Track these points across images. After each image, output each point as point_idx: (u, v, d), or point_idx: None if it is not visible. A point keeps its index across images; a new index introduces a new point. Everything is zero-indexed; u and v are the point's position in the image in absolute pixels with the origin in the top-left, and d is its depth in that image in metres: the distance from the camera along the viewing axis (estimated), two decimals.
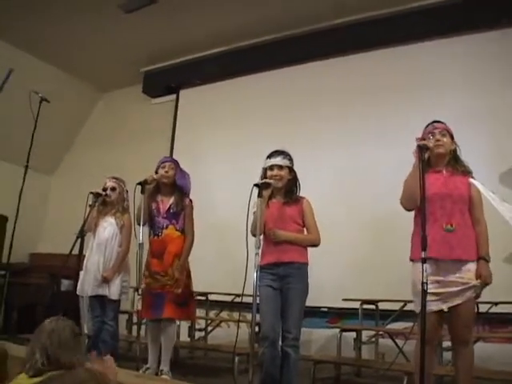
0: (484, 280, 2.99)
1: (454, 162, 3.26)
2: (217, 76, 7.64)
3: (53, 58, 7.76)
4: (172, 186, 4.48)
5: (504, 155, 5.25)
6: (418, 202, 3.00)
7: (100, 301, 4.67)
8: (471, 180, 3.17)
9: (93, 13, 6.68)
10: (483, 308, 4.68)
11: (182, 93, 8.13)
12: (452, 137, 3.27)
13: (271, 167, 3.76)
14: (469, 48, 5.77)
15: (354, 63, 6.51)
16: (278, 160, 3.76)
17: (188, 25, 6.92)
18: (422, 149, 2.98)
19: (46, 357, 2.00)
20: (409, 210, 3.25)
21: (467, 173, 3.23)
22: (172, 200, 4.43)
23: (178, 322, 5.16)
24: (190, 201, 4.50)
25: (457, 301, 2.98)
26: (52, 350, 2.02)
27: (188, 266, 4.44)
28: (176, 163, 4.56)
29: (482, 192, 3.11)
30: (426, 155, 3.03)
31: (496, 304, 4.69)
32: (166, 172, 4.43)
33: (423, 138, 3.15)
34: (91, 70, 8.28)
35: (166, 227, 4.37)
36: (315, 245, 3.75)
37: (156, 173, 4.45)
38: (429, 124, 3.32)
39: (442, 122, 3.30)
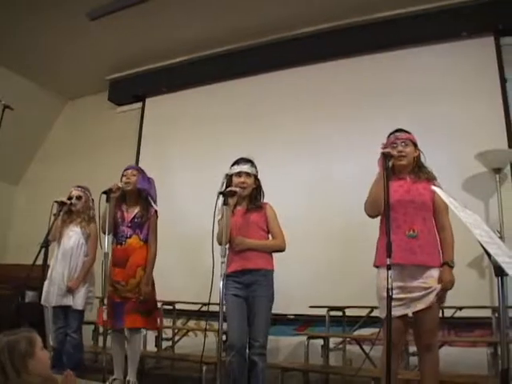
0: (444, 285, 3.03)
1: (418, 169, 3.31)
2: (183, 84, 7.62)
3: (17, 65, 7.62)
4: (136, 195, 4.42)
5: (463, 163, 5.33)
6: (381, 208, 3.03)
7: (64, 311, 4.59)
8: (433, 187, 3.20)
9: (58, 20, 6.60)
10: (448, 313, 4.76)
11: (148, 101, 8.09)
12: (415, 144, 3.32)
13: (239, 174, 3.76)
14: (427, 59, 5.90)
15: (321, 71, 6.55)
16: (246, 167, 3.77)
17: (153, 33, 6.90)
18: (386, 157, 3.01)
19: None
20: (372, 217, 3.28)
21: (431, 179, 3.27)
22: (137, 210, 4.37)
23: (144, 332, 5.11)
24: (155, 211, 4.44)
25: (419, 306, 3.01)
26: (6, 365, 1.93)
27: (152, 276, 4.35)
28: (138, 170, 4.52)
29: (444, 198, 3.14)
30: (390, 163, 3.05)
31: (460, 309, 4.76)
32: (128, 179, 4.37)
33: (386, 147, 3.16)
34: (56, 78, 8.17)
35: (130, 236, 4.31)
36: (281, 250, 3.73)
37: (121, 182, 4.37)
38: (391, 133, 3.35)
39: (405, 131, 3.34)
